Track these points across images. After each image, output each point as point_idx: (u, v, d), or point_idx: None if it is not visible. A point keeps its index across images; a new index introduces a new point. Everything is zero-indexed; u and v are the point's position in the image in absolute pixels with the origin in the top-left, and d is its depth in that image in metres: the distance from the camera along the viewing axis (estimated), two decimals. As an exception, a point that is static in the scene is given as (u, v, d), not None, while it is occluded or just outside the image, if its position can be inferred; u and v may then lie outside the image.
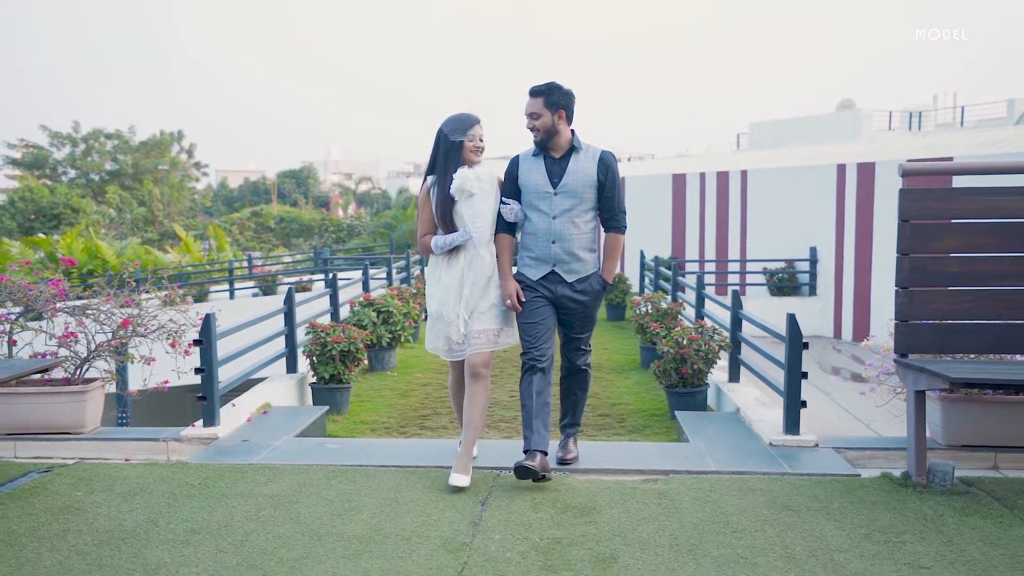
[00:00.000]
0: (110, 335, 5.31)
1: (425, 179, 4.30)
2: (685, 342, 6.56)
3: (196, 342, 5.15)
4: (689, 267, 17.15)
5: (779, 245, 16.13)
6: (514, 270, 4.37)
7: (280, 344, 7.10)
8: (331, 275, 10.11)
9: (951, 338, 4.27)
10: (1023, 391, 4.51)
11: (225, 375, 5.51)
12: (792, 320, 4.99)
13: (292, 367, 7.14)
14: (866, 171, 14.65)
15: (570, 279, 4.27)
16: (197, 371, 5.13)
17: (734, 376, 6.78)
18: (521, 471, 4.03)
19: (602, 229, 4.42)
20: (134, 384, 5.81)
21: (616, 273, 12.52)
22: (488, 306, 4.23)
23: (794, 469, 4.45)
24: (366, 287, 10.90)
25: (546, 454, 4.16)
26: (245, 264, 20.37)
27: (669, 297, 10.10)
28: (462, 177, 4.13)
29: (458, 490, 4.05)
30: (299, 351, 7.21)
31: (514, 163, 4.34)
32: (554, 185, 4.22)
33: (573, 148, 4.25)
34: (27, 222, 33.31)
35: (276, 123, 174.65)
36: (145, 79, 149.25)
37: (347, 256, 24.34)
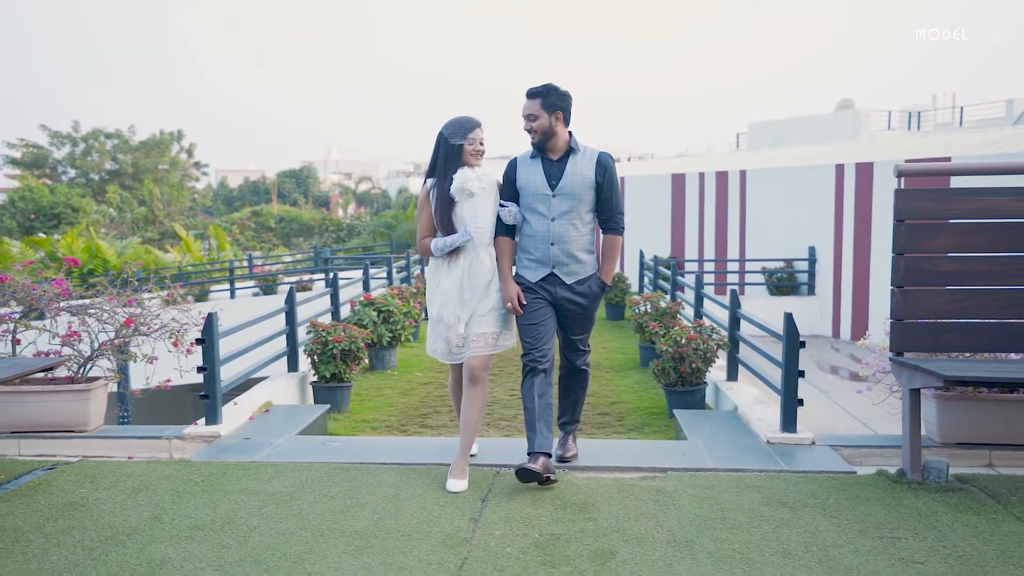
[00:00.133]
0: (113, 334, 5.35)
1: (425, 182, 4.31)
2: (684, 341, 6.61)
3: (198, 341, 5.19)
4: (688, 267, 17.18)
5: (778, 245, 16.17)
6: (513, 271, 4.38)
7: (281, 343, 7.14)
8: (332, 275, 10.15)
9: (946, 337, 4.31)
10: (1017, 389, 4.55)
11: (227, 374, 5.55)
12: (789, 319, 5.03)
13: (293, 366, 7.18)
14: (865, 171, 14.69)
15: (569, 281, 4.28)
16: (199, 370, 5.17)
17: (732, 375, 6.82)
18: (524, 474, 4.02)
19: (600, 231, 4.44)
20: (136, 383, 5.85)
21: (615, 272, 12.55)
22: (488, 309, 4.23)
23: (791, 466, 4.49)
24: (366, 286, 10.94)
25: (550, 456, 4.15)
26: (245, 264, 20.39)
27: (668, 296, 10.15)
28: (462, 177, 4.14)
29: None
30: (300, 350, 7.25)
31: (512, 165, 4.34)
32: (552, 187, 4.21)
33: (571, 150, 4.25)
34: (27, 222, 33.30)
35: (276, 123, 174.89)
36: (145, 79, 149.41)
37: (347, 256, 24.35)
